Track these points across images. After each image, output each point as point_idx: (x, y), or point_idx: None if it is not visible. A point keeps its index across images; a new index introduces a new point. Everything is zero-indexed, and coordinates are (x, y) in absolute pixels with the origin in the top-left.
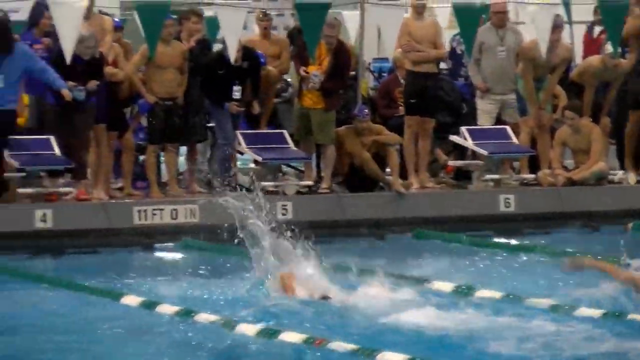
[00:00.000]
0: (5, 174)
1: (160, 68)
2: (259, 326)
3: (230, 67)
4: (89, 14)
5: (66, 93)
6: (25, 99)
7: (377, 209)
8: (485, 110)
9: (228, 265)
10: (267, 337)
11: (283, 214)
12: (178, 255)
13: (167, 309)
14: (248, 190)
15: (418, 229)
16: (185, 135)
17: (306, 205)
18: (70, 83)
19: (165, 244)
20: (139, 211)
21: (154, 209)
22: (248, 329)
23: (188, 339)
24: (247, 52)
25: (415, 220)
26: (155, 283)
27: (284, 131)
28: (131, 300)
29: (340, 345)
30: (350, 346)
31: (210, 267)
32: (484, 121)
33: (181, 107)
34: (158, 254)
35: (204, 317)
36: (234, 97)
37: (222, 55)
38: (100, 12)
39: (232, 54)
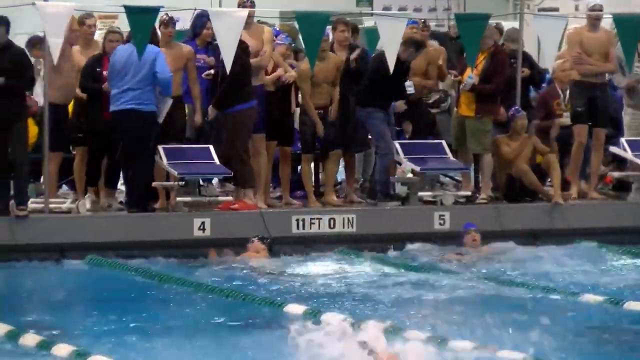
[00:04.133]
0: (165, 183)
1: (316, 84)
2: None
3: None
4: (249, 23)
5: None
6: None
7: (534, 219)
8: None
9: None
10: None
11: (440, 224)
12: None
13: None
14: (405, 200)
15: (575, 239)
16: (343, 144)
17: (463, 216)
18: None
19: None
20: (297, 220)
21: (312, 218)
22: None
23: None
24: None
25: (573, 231)
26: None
27: (442, 141)
28: (294, 308)
29: None
30: None
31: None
32: None
33: (334, 117)
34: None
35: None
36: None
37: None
38: (259, 21)
39: (391, 64)
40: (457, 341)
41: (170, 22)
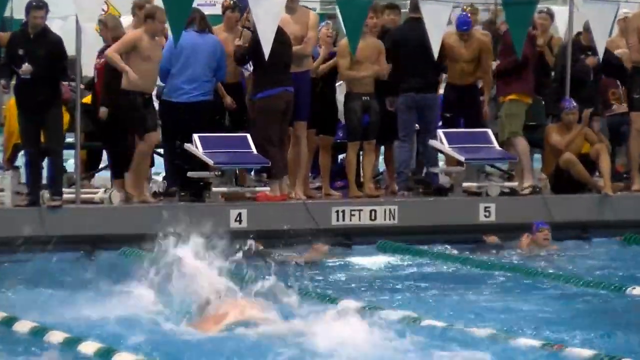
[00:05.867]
0: (202, 173)
1: (358, 63)
2: None
3: None
4: (293, 8)
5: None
6: None
7: (582, 211)
8: None
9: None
10: None
11: (486, 216)
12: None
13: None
14: (448, 191)
15: (628, 234)
16: (383, 134)
17: (510, 207)
18: None
19: (363, 246)
20: (337, 211)
21: (352, 210)
22: None
23: None
24: None
25: (622, 223)
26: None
27: (488, 130)
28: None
29: None
30: None
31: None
32: None
33: (377, 103)
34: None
35: None
36: None
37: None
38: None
39: (436, 49)
40: (523, 338)
41: (236, 6)
